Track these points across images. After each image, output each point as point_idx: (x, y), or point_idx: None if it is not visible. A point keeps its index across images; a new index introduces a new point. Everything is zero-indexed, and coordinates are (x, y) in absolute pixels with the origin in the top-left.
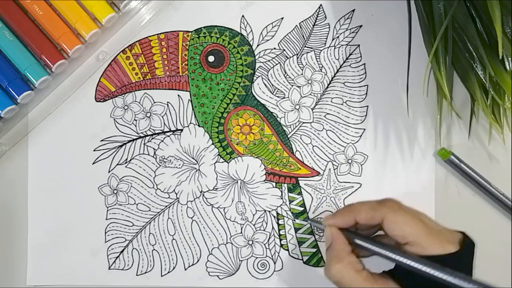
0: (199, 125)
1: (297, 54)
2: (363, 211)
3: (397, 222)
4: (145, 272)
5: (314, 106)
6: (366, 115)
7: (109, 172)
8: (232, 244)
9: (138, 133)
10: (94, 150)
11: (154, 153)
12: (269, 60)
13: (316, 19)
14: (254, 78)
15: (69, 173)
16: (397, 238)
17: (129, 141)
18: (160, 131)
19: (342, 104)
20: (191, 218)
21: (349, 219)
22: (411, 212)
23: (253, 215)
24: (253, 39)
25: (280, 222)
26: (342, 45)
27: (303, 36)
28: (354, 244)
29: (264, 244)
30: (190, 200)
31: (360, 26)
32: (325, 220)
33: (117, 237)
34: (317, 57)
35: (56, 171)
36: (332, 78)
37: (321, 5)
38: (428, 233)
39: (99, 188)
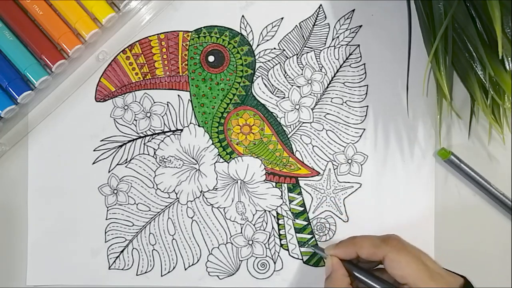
0: (199, 125)
1: (297, 54)
2: (365, 246)
3: (398, 262)
4: (145, 272)
5: (314, 106)
6: (366, 115)
7: (109, 172)
8: (232, 244)
9: (138, 133)
10: (94, 150)
11: (154, 153)
12: (269, 60)
13: (316, 19)
14: (254, 78)
15: (69, 173)
16: (397, 277)
17: (129, 141)
18: (160, 131)
19: (342, 104)
20: (191, 218)
21: (351, 252)
22: (413, 252)
23: (253, 215)
24: (253, 39)
25: (280, 222)
26: (342, 45)
27: (303, 36)
28: (353, 276)
29: (264, 244)
30: (190, 200)
31: (360, 26)
32: (327, 250)
33: (117, 237)
34: (317, 57)
35: (56, 171)
36: (332, 78)
37: (321, 5)
38: (429, 277)
39: (99, 188)
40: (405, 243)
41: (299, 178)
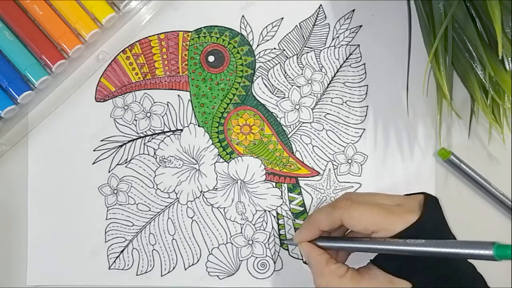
0: (199, 125)
1: (297, 54)
2: (321, 220)
3: (353, 218)
4: (145, 272)
5: (314, 106)
6: (366, 115)
7: (109, 172)
8: (232, 244)
9: (138, 133)
10: (94, 150)
11: (154, 153)
12: (269, 60)
13: (316, 19)
14: (254, 78)
15: (69, 173)
16: (361, 232)
17: (129, 141)
18: (160, 131)
19: (342, 104)
20: (191, 218)
21: (313, 230)
22: (364, 201)
23: (253, 215)
24: (253, 39)
25: (280, 222)
26: (342, 45)
27: (303, 36)
28: (328, 248)
29: (264, 244)
30: (190, 200)
31: (360, 26)
32: (295, 238)
33: (117, 237)
34: (317, 57)
35: (56, 171)
36: (332, 78)
37: (321, 5)
38: (386, 215)
39: (99, 188)
40: (353, 197)
41: (299, 178)
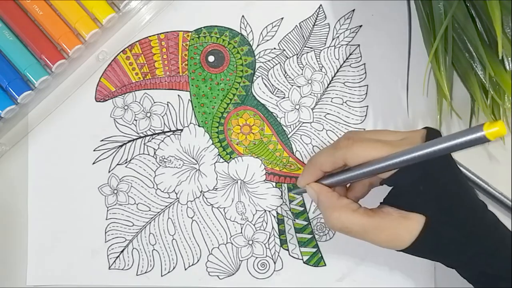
0: (199, 125)
1: (297, 54)
2: (323, 162)
3: (357, 156)
4: (145, 272)
5: (314, 106)
6: (366, 115)
7: (109, 172)
8: (232, 244)
9: (138, 133)
10: (94, 150)
11: (154, 153)
12: (269, 60)
13: (316, 19)
14: (254, 78)
15: (69, 173)
16: None
17: (129, 141)
18: (160, 131)
19: (342, 104)
20: (191, 218)
21: (316, 173)
22: (367, 138)
23: (253, 215)
24: (253, 39)
25: (280, 222)
26: (342, 45)
27: (303, 36)
28: (332, 185)
29: (264, 244)
30: (190, 200)
31: (360, 26)
32: (299, 183)
33: (117, 237)
34: (317, 57)
35: (56, 171)
36: (332, 78)
37: (321, 5)
38: (390, 149)
39: (99, 188)
40: (354, 136)
41: None
